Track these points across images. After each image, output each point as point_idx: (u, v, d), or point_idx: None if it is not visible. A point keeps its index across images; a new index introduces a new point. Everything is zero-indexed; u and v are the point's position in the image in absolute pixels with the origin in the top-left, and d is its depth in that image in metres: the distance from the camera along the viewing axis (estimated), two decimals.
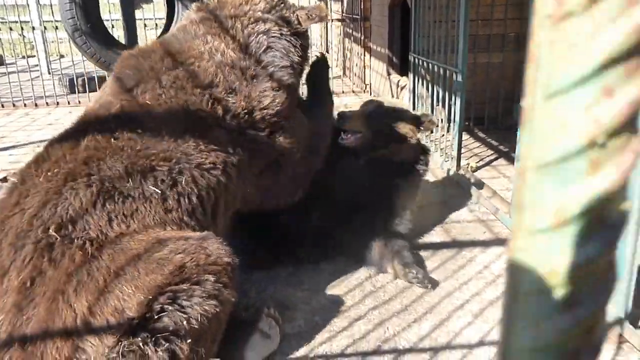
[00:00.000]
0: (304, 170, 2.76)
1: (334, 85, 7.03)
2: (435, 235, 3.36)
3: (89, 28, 4.61)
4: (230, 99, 2.25)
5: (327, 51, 9.88)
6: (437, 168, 4.48)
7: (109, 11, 6.50)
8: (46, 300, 1.66)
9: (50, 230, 1.77)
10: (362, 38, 6.80)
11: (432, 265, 3.03)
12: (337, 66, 8.39)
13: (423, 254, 3.15)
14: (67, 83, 7.06)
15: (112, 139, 2.00)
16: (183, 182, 2.04)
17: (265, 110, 2.36)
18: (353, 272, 2.97)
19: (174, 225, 1.98)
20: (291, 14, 2.55)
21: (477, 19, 5.05)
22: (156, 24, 5.23)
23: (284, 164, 2.61)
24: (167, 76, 2.19)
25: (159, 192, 1.96)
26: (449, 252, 3.17)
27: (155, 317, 1.67)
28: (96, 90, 6.53)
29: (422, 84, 4.83)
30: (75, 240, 1.77)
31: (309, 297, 2.78)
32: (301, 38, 2.58)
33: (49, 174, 1.91)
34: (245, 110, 2.30)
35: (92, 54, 4.71)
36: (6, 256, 1.75)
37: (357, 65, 7.29)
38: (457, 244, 3.25)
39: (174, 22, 4.76)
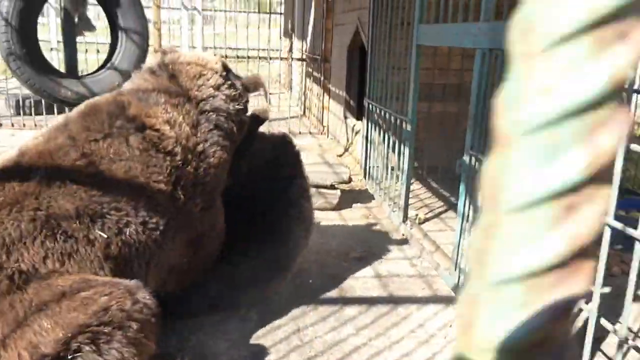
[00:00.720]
0: (213, 256, 2.83)
1: (293, 125, 6.95)
2: (372, 289, 3.22)
3: (24, 53, 4.44)
4: (185, 169, 2.39)
5: (290, 89, 9.85)
6: (384, 218, 4.38)
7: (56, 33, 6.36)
8: None
9: None
10: (322, 79, 6.76)
11: (365, 321, 2.88)
12: (297, 105, 8.33)
13: (357, 308, 3.00)
14: (14, 104, 6.80)
15: (68, 181, 2.07)
16: (127, 233, 2.13)
17: (203, 187, 2.50)
18: (281, 325, 2.81)
19: (109, 273, 2.04)
20: (235, 90, 2.65)
21: (434, 68, 5.04)
22: (97, 50, 5.12)
23: (204, 243, 2.68)
24: (135, 137, 2.28)
25: (105, 236, 2.04)
26: (384, 307, 3.03)
27: (69, 357, 1.66)
28: (43, 114, 6.34)
29: (376, 130, 4.76)
30: (5, 270, 1.79)
31: (232, 348, 2.61)
32: (242, 113, 2.71)
33: None
34: (191, 183, 2.44)
35: (26, 80, 4.52)
36: None
37: (316, 106, 7.24)
38: (393, 300, 3.12)
39: (117, 50, 4.63)
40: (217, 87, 2.56)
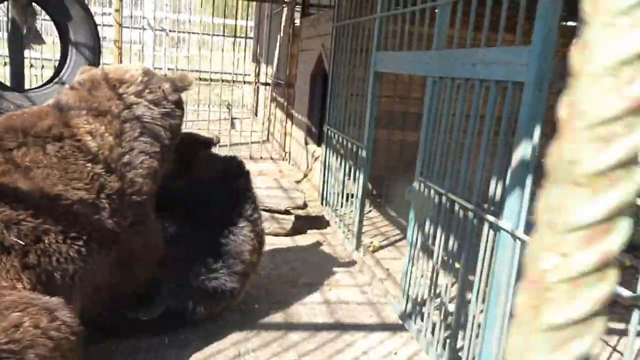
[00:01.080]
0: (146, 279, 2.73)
1: (255, 150, 6.91)
2: (318, 316, 3.16)
3: None
4: (109, 177, 2.34)
5: (256, 114, 9.83)
6: (338, 245, 4.34)
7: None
8: None
9: None
10: (286, 104, 6.76)
11: (309, 347, 2.82)
12: (262, 131, 8.30)
13: (301, 334, 2.93)
14: None
15: None
16: (46, 242, 2.06)
17: (131, 197, 2.44)
18: (222, 349, 2.73)
19: (28, 285, 1.96)
20: (158, 92, 2.63)
21: (395, 96, 5.08)
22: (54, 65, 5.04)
23: (134, 263, 2.58)
24: (53, 145, 2.24)
25: (22, 244, 1.97)
26: (330, 334, 2.97)
27: None
28: None
29: (334, 157, 4.75)
30: None
31: None
32: (171, 116, 2.67)
33: None
34: (117, 194, 2.38)
35: None
36: None
37: (279, 131, 7.22)
38: (340, 326, 3.06)
39: (66, 65, 4.55)
40: (139, 94, 2.54)
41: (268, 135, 8.10)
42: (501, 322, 2.16)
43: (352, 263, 3.98)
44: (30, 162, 2.15)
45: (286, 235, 4.36)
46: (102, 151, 2.34)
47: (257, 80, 8.71)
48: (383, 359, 2.80)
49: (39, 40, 5.00)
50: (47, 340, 1.75)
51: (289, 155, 6.84)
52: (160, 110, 2.58)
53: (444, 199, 2.71)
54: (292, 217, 4.37)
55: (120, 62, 6.05)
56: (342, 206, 4.61)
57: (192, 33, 10.03)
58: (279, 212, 4.32)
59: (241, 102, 10.97)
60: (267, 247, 4.08)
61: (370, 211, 5.28)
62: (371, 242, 4.33)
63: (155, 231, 2.70)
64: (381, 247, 4.33)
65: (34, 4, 4.65)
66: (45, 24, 6.81)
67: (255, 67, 9.04)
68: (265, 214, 4.25)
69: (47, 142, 2.23)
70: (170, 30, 10.75)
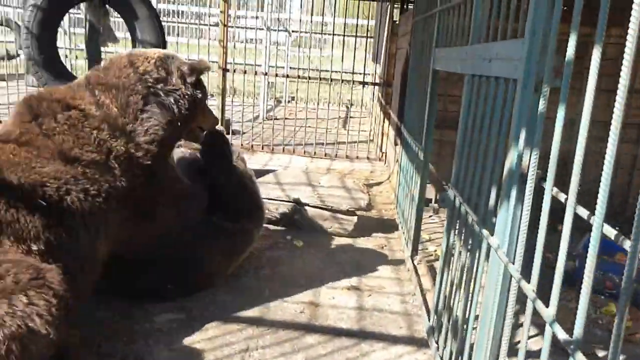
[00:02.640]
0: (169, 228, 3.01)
1: (353, 149, 6.85)
2: (345, 320, 3.05)
3: (42, 58, 4.91)
4: (113, 142, 2.64)
5: (371, 114, 9.76)
6: (399, 250, 4.16)
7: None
8: None
9: None
10: (384, 104, 6.62)
11: (320, 351, 2.73)
12: (367, 130, 8.23)
13: (318, 338, 2.84)
14: None
15: (11, 155, 2.33)
16: (69, 200, 2.34)
17: (140, 160, 2.73)
18: (232, 342, 2.74)
19: (43, 246, 2.20)
20: (174, 71, 2.90)
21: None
22: None
23: (150, 214, 2.85)
24: (62, 115, 2.57)
25: (45, 204, 2.23)
26: (348, 341, 2.85)
27: None
28: None
29: (406, 158, 4.56)
30: None
31: (173, 358, 2.59)
32: (186, 94, 2.91)
33: None
34: (125, 156, 2.67)
35: (43, 83, 4.96)
36: None
37: (380, 131, 7.10)
38: (361, 334, 2.93)
39: None
40: (144, 73, 2.80)
41: (373, 135, 8.01)
42: (484, 352, 1.91)
43: (405, 270, 3.78)
44: (46, 129, 2.49)
45: (348, 236, 4.26)
46: (106, 118, 2.63)
47: (370, 81, 8.64)
48: None
49: (113, 38, 5.46)
50: (23, 296, 1.89)
51: (385, 156, 6.70)
52: (165, 87, 2.83)
53: (463, 208, 2.47)
54: (355, 218, 4.25)
55: (225, 60, 6.33)
56: (407, 210, 4.41)
57: (315, 33, 10.17)
58: (341, 212, 4.23)
59: (361, 102, 10.98)
60: (321, 248, 4.04)
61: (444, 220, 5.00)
62: (434, 251, 4.09)
63: (170, 187, 2.98)
64: None
65: (107, 5, 5.10)
66: (118, 22, 7.36)
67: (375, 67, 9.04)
68: (326, 214, 4.21)
69: (57, 112, 2.56)
70: (293, 31, 11.02)
